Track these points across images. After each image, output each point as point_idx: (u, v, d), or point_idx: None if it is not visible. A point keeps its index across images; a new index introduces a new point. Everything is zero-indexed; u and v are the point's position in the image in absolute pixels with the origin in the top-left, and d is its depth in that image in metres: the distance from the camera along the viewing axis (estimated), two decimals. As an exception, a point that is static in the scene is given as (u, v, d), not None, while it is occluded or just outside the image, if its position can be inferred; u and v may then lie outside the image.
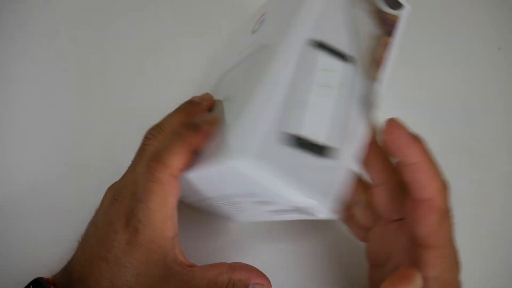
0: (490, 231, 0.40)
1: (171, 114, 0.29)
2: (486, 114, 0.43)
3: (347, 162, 0.22)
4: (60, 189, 0.37)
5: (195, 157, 0.24)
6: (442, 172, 0.25)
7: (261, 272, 0.28)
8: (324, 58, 0.23)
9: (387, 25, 0.26)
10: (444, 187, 0.25)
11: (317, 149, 0.21)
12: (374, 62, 0.25)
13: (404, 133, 0.24)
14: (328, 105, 0.22)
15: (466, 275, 0.27)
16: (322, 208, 0.21)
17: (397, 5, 0.26)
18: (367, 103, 0.24)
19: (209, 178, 0.24)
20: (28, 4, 0.43)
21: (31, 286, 0.28)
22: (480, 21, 0.46)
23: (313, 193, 0.21)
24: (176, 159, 0.24)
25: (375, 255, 0.30)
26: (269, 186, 0.20)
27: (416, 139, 0.24)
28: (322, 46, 0.23)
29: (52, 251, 0.33)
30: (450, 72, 0.44)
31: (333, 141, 0.22)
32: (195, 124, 0.24)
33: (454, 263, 0.26)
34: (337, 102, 0.23)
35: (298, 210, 0.22)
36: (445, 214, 0.25)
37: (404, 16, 0.26)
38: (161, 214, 0.25)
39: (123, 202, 0.27)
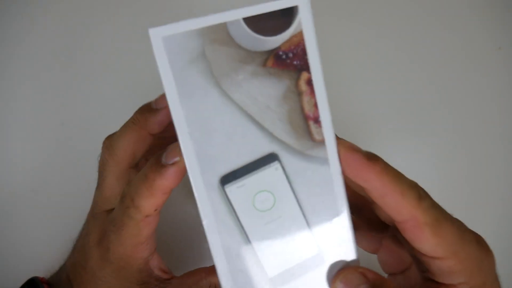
0: (489, 231, 0.39)
1: (122, 130, 0.27)
2: (486, 114, 0.43)
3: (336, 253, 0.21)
4: (59, 189, 0.37)
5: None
6: (406, 179, 0.22)
7: None
8: (244, 185, 0.20)
9: (291, 60, 0.19)
10: (418, 198, 0.21)
11: (313, 264, 0.21)
12: (309, 118, 0.20)
13: (358, 157, 0.21)
14: (282, 223, 0.21)
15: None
16: None
17: (288, 15, 0.19)
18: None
19: None
20: (27, 5, 0.43)
21: (26, 286, 0.28)
22: (480, 21, 0.45)
23: None
24: (147, 202, 0.23)
25: (389, 265, 0.28)
26: None
27: (371, 160, 0.21)
28: (227, 178, 0.20)
29: (50, 250, 0.33)
30: (450, 72, 0.44)
31: (313, 248, 0.21)
32: (161, 165, 0.22)
33: (480, 261, 0.23)
34: (289, 211, 0.21)
35: None
36: (436, 222, 0.22)
37: (306, 20, 0.19)
38: (133, 241, 0.25)
39: (99, 219, 0.27)
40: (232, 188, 0.20)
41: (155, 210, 0.24)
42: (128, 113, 0.37)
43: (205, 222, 0.20)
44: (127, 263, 0.26)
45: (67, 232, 0.30)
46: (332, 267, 0.21)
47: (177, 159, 0.21)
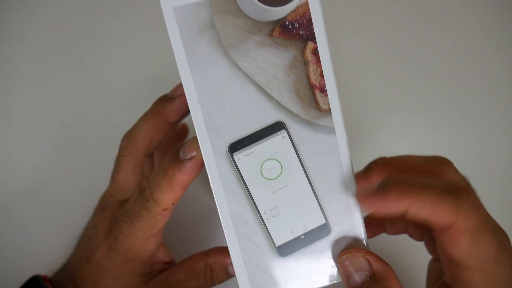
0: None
1: (142, 119, 0.28)
2: (486, 113, 0.43)
3: (347, 221, 0.21)
4: (59, 189, 0.36)
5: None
6: (434, 183, 0.21)
7: None
8: (251, 153, 0.20)
9: (297, 30, 0.20)
10: (458, 204, 0.20)
11: (320, 233, 0.21)
12: (315, 87, 0.21)
13: (378, 196, 0.20)
14: (290, 191, 0.21)
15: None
16: None
17: None
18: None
19: None
20: (26, 5, 0.43)
21: (29, 284, 0.28)
22: (481, 20, 0.46)
23: None
24: (167, 197, 0.24)
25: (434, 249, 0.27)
26: None
27: (389, 184, 0.20)
28: (236, 146, 0.20)
29: (52, 249, 0.33)
30: (451, 71, 0.44)
31: (321, 215, 0.21)
32: (179, 161, 0.23)
33: (506, 285, 0.22)
34: (297, 178, 0.21)
35: None
36: (478, 231, 0.20)
37: None
38: (146, 234, 0.25)
39: (109, 209, 0.28)
40: (240, 156, 0.20)
41: (173, 204, 0.24)
42: (128, 113, 0.37)
43: (213, 188, 0.20)
44: (134, 255, 0.26)
45: (67, 232, 0.31)
46: (339, 240, 0.21)
47: (194, 153, 0.22)
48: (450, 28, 0.46)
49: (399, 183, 0.20)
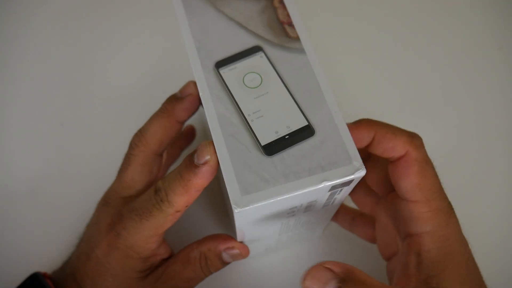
0: (490, 230, 0.37)
1: (152, 118, 0.29)
2: (486, 113, 0.42)
3: (330, 125, 0.23)
4: (59, 189, 0.36)
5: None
6: (404, 129, 0.25)
7: (228, 236, 0.28)
8: (234, 68, 0.24)
9: None
10: (411, 138, 0.25)
11: (301, 135, 0.23)
12: (284, 23, 0.26)
13: (352, 126, 0.25)
14: (272, 97, 0.23)
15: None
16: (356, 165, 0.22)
17: None
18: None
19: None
20: (26, 5, 0.42)
21: (29, 281, 0.29)
22: (481, 21, 0.46)
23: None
24: (182, 199, 0.25)
25: (384, 247, 0.29)
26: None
27: (356, 123, 0.25)
28: (224, 61, 0.24)
29: (52, 249, 0.33)
30: (452, 71, 0.44)
31: (303, 118, 0.23)
32: (195, 166, 0.24)
33: (448, 217, 0.25)
34: (277, 88, 0.24)
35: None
36: (425, 164, 0.24)
37: None
38: (151, 232, 0.26)
39: (112, 205, 0.28)
40: (225, 71, 0.24)
41: (186, 206, 0.25)
42: (128, 113, 0.39)
43: (201, 95, 0.24)
44: (134, 252, 0.26)
45: (68, 231, 0.30)
46: (325, 142, 0.22)
47: (208, 157, 0.23)
48: (450, 28, 0.47)
49: (368, 119, 0.25)
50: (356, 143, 0.23)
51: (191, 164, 0.24)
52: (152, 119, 0.28)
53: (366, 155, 0.28)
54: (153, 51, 0.43)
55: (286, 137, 0.23)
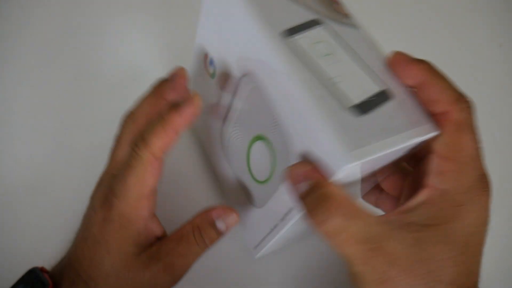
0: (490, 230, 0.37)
1: (141, 99, 0.29)
2: (487, 111, 0.42)
3: (403, 90, 0.24)
4: (59, 188, 0.36)
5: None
6: (457, 89, 0.24)
7: (219, 205, 0.29)
8: (304, 37, 0.25)
9: None
10: (459, 99, 0.23)
11: (381, 98, 0.23)
12: (333, 2, 0.27)
13: (405, 57, 0.24)
14: (346, 65, 0.24)
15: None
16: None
17: None
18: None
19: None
20: (27, 3, 0.42)
21: (26, 276, 0.28)
22: (481, 18, 0.47)
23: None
24: (158, 139, 0.25)
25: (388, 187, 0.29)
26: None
27: (418, 60, 0.24)
28: (292, 30, 0.25)
29: (51, 250, 0.32)
30: (451, 68, 0.42)
31: (380, 83, 0.24)
32: (177, 105, 0.25)
33: (472, 185, 0.22)
34: (348, 56, 0.25)
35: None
36: (466, 128, 0.23)
37: None
38: (137, 191, 0.26)
39: (104, 184, 0.28)
40: (296, 38, 0.25)
41: (163, 152, 0.25)
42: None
43: (276, 62, 0.24)
44: (127, 221, 0.26)
45: (67, 230, 0.30)
46: (401, 104, 0.23)
47: (192, 101, 0.24)
48: (450, 25, 0.47)
49: (427, 63, 0.24)
50: (400, 79, 0.24)
51: (174, 106, 0.25)
52: (141, 99, 0.29)
53: None
54: (154, 51, 0.43)
55: (373, 98, 0.23)
